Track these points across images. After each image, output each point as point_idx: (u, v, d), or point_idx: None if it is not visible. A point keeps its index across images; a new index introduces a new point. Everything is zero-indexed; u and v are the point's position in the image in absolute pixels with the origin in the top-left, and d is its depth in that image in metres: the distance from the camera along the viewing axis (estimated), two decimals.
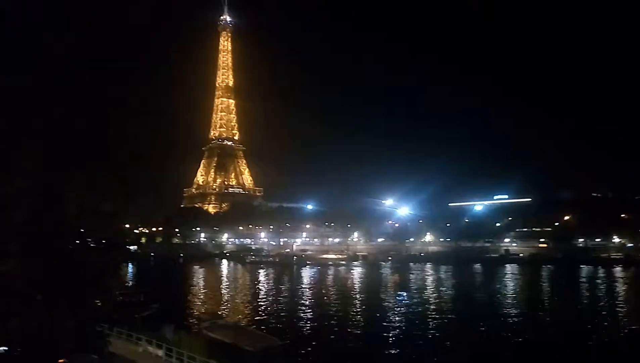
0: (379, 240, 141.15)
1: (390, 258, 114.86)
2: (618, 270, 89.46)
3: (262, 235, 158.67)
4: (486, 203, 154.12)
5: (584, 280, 76.33)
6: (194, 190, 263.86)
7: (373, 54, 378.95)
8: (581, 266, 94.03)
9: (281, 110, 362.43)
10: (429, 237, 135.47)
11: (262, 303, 49.03)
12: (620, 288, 65.40)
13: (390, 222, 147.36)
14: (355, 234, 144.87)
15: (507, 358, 28.88)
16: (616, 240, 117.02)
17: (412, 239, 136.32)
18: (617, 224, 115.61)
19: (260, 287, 65.57)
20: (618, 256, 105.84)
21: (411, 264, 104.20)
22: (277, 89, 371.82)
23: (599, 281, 73.41)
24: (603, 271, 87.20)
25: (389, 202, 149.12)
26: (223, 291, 61.11)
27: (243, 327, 32.40)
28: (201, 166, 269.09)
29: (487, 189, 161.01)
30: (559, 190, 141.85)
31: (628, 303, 50.66)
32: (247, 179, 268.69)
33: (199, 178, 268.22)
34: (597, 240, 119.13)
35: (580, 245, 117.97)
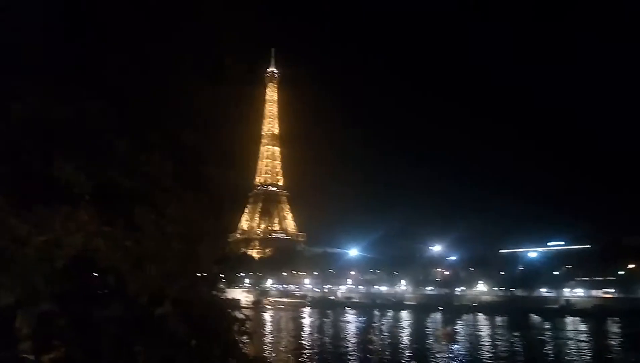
0: (428, 288, 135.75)
1: (440, 307, 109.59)
2: None
3: (306, 281, 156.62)
4: (541, 249, 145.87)
5: None
6: (238, 235, 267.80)
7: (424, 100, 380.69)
8: None
9: (327, 156, 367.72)
10: (480, 286, 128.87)
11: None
12: None
13: (439, 269, 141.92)
14: (403, 282, 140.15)
15: None
16: None
17: (463, 288, 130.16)
18: None
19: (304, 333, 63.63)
20: None
21: (463, 314, 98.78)
22: (324, 135, 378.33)
23: None
24: None
25: (437, 248, 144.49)
26: (273, 337, 59.71)
27: None
28: (246, 212, 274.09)
29: (541, 235, 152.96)
30: (623, 236, 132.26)
31: None
32: (291, 224, 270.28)
33: (244, 224, 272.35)
34: None
35: None
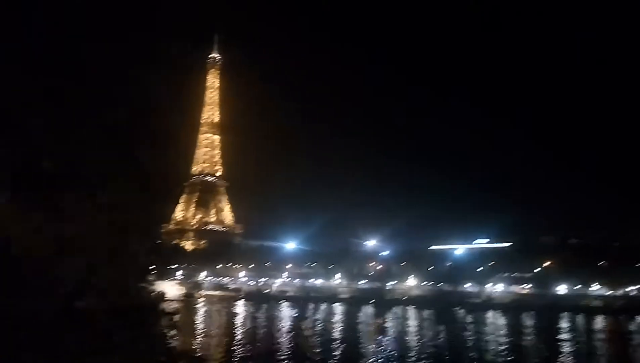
0: (361, 281, 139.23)
1: (372, 301, 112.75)
2: (599, 319, 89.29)
3: (241, 274, 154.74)
4: (467, 246, 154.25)
5: (564, 328, 75.69)
6: (172, 226, 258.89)
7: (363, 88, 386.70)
8: (561, 313, 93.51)
9: (269, 148, 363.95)
10: (411, 280, 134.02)
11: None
12: (600, 337, 64.90)
13: (372, 264, 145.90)
14: (337, 275, 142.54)
15: None
16: (595, 287, 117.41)
17: (394, 282, 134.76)
18: (596, 271, 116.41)
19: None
20: (598, 305, 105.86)
21: (393, 307, 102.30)
22: (266, 126, 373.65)
23: (579, 330, 72.95)
24: (583, 320, 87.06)
25: (371, 243, 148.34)
26: (203, 331, 58.41)
27: None
28: (180, 202, 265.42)
29: (468, 233, 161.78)
30: (540, 236, 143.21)
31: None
32: (228, 216, 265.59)
33: (178, 214, 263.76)
34: (576, 287, 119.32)
35: (561, 291, 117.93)
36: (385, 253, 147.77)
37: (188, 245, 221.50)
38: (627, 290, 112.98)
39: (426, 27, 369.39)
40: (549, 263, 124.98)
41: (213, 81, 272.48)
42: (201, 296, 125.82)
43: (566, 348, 53.62)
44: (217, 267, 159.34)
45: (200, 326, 65.78)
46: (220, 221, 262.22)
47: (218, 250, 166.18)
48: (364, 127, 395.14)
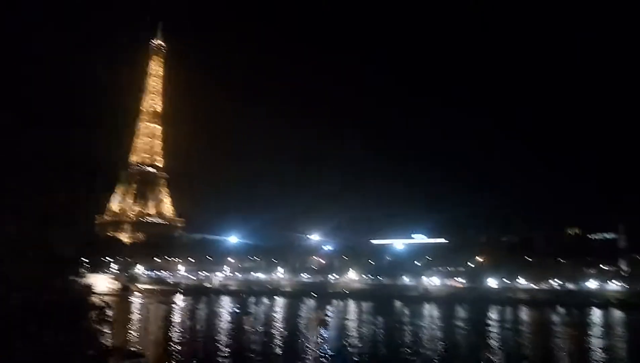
0: (304, 275, 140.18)
1: (314, 294, 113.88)
2: (524, 311, 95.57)
3: (181, 268, 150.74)
4: (406, 241, 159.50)
5: (493, 319, 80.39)
6: (107, 217, 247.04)
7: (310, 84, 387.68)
8: (491, 305, 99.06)
9: (212, 140, 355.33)
10: (352, 274, 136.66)
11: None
12: (524, 327, 69.61)
13: (315, 258, 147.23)
14: (280, 269, 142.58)
15: None
16: (522, 281, 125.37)
17: (336, 275, 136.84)
18: (522, 267, 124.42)
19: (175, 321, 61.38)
20: (523, 297, 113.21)
21: (334, 300, 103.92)
22: (210, 117, 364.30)
23: (505, 320, 77.80)
24: (510, 311, 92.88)
25: (315, 238, 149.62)
26: (138, 326, 56.31)
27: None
28: (117, 192, 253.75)
29: (407, 228, 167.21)
30: (473, 233, 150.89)
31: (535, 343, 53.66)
32: (168, 208, 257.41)
33: (114, 205, 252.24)
34: (505, 281, 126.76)
35: (492, 285, 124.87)
36: (328, 247, 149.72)
37: (125, 238, 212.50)
38: (549, 283, 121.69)
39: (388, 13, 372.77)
40: (480, 259, 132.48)
41: (155, 68, 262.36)
42: (138, 291, 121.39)
43: (493, 337, 57.14)
44: (156, 261, 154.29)
45: (134, 320, 63.48)
46: (159, 214, 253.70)
47: (157, 243, 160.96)
48: (309, 122, 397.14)
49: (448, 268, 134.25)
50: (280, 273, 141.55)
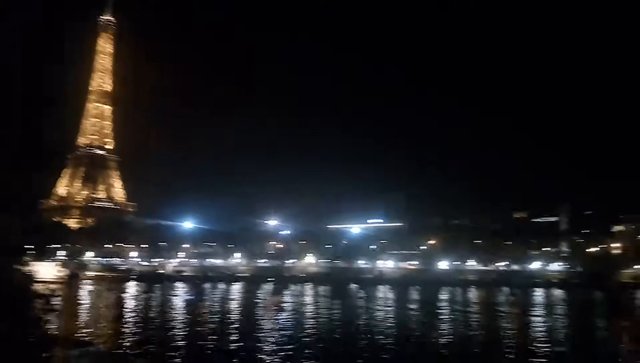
0: (261, 260, 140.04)
1: (271, 279, 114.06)
2: (473, 291, 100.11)
3: (134, 254, 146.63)
4: (362, 226, 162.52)
5: (443, 300, 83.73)
6: (53, 202, 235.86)
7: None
8: (442, 287, 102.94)
9: (167, 122, 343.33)
10: (309, 258, 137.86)
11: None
12: (472, 307, 72.99)
13: (272, 243, 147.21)
14: (237, 254, 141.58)
15: None
16: (471, 263, 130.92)
17: (294, 260, 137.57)
18: (472, 249, 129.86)
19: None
20: (472, 279, 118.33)
21: (292, 285, 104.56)
22: (165, 98, 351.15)
23: (455, 301, 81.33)
24: (460, 293, 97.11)
25: (272, 222, 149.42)
26: (87, 314, 54.42)
27: (122, 355, 29.24)
28: (64, 176, 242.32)
29: (363, 213, 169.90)
30: (427, 217, 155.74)
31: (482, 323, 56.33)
32: (119, 192, 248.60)
33: (61, 189, 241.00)
34: (455, 263, 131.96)
35: (443, 267, 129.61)
36: (286, 232, 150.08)
37: (73, 223, 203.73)
38: (496, 265, 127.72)
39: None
40: (433, 242, 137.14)
41: (104, 45, 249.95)
42: (86, 278, 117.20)
43: (442, 318, 59.60)
44: (106, 247, 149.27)
45: (83, 309, 61.36)
46: (110, 198, 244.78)
47: (107, 228, 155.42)
48: (264, 106, 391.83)
49: (403, 252, 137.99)
50: (237, 258, 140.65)
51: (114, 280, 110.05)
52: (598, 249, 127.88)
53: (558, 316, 62.64)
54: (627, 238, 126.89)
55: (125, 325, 46.63)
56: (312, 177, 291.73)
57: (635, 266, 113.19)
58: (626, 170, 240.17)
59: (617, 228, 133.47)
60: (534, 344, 39.54)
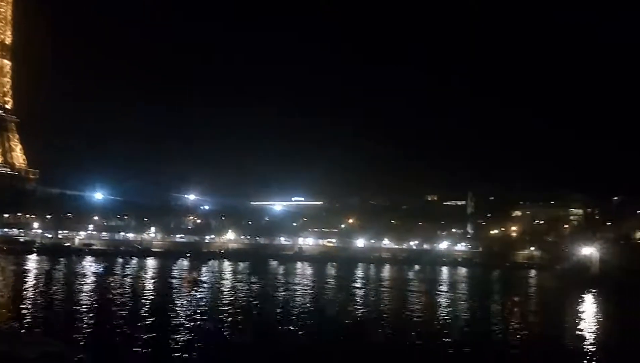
0: (179, 236, 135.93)
1: (188, 254, 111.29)
2: (386, 268, 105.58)
3: (36, 225, 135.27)
4: (285, 203, 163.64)
5: (358, 275, 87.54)
6: None
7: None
8: (358, 263, 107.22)
9: (77, 79, 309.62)
10: (230, 234, 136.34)
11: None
12: (385, 282, 77.23)
13: (191, 218, 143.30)
14: (152, 229, 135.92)
15: None
16: (386, 241, 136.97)
17: (213, 236, 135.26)
18: (387, 228, 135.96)
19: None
20: (387, 256, 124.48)
21: (210, 261, 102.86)
22: (75, 52, 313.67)
23: (369, 277, 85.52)
24: (374, 268, 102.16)
25: (192, 197, 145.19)
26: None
27: (20, 331, 27.26)
28: None
29: (287, 191, 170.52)
30: (346, 197, 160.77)
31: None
32: (20, 157, 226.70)
33: None
34: (371, 241, 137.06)
35: (360, 245, 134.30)
36: (205, 207, 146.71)
37: None
38: (409, 244, 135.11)
39: None
40: (351, 220, 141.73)
41: None
42: None
43: (356, 292, 62.54)
44: (4, 216, 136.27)
45: None
46: (8, 163, 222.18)
47: (5, 196, 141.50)
48: (185, 76, 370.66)
49: (323, 229, 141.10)
50: (152, 233, 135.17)
51: (13, 252, 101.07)
52: (498, 231, 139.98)
53: (455, 291, 68.84)
54: (524, 222, 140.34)
55: (20, 301, 43.21)
56: (236, 154, 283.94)
57: (531, 248, 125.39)
58: (525, 162, 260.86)
59: (516, 213, 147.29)
60: (433, 315, 43.68)
